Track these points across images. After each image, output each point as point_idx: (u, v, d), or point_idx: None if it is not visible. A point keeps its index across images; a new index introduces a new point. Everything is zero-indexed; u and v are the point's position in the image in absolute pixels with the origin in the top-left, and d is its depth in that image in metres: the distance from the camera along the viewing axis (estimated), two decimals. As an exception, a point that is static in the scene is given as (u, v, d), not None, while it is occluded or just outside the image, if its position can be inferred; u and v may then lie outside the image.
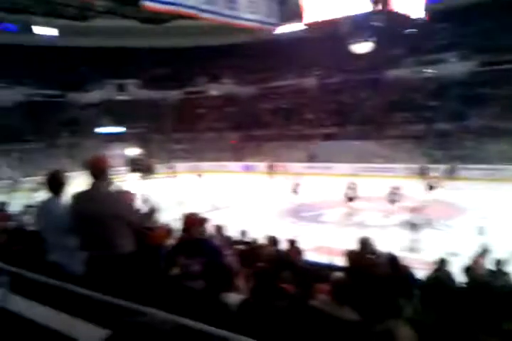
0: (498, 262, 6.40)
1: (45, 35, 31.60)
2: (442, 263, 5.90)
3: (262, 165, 28.73)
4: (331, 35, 26.91)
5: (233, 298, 3.40)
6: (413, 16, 13.20)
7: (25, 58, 34.24)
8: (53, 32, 30.59)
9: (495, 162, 21.63)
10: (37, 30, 29.70)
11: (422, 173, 20.67)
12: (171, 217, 9.55)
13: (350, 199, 15.34)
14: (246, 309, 3.17)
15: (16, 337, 2.22)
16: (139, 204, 3.81)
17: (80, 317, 2.12)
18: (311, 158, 28.48)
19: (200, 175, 24.88)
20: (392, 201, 14.52)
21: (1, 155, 26.19)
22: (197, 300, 3.39)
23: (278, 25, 14.73)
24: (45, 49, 35.59)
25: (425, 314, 3.74)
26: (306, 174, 24.70)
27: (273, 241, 7.11)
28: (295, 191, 18.15)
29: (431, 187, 16.58)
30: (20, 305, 2.30)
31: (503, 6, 25.51)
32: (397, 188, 14.68)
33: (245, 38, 36.13)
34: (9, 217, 9.13)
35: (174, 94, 39.45)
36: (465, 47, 28.64)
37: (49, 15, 16.66)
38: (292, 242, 7.28)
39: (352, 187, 15.45)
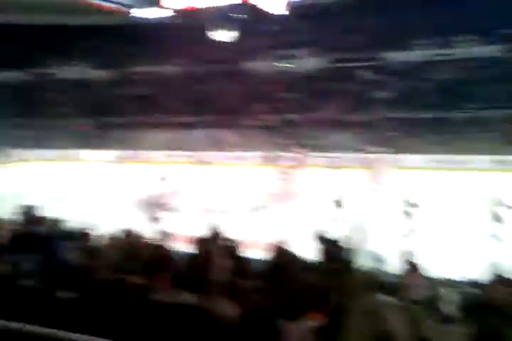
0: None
1: None
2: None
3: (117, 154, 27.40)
4: (195, 25, 26.75)
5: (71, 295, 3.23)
6: (274, 11, 13.44)
7: None
8: None
9: (337, 150, 23.96)
10: None
11: (273, 161, 21.57)
12: (5, 209, 8.59)
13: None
14: (75, 305, 3.05)
15: None
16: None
17: None
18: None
19: None
20: None
21: None
22: (30, 298, 3.16)
23: (134, 7, 14.06)
24: None
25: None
26: (167, 163, 24.46)
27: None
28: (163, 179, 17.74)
29: None
30: None
31: (363, 6, 26.55)
32: None
33: (103, 20, 33.68)
34: None
35: (18, 75, 35.23)
36: (319, 44, 30.58)
37: None
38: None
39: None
